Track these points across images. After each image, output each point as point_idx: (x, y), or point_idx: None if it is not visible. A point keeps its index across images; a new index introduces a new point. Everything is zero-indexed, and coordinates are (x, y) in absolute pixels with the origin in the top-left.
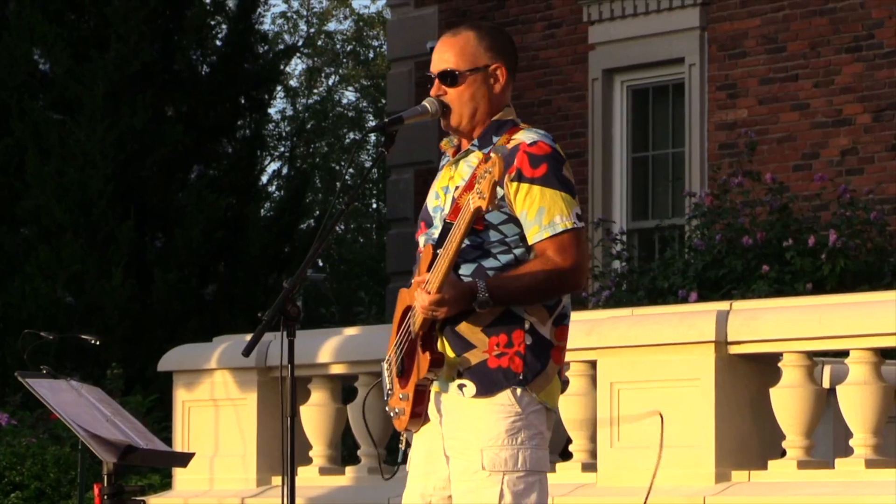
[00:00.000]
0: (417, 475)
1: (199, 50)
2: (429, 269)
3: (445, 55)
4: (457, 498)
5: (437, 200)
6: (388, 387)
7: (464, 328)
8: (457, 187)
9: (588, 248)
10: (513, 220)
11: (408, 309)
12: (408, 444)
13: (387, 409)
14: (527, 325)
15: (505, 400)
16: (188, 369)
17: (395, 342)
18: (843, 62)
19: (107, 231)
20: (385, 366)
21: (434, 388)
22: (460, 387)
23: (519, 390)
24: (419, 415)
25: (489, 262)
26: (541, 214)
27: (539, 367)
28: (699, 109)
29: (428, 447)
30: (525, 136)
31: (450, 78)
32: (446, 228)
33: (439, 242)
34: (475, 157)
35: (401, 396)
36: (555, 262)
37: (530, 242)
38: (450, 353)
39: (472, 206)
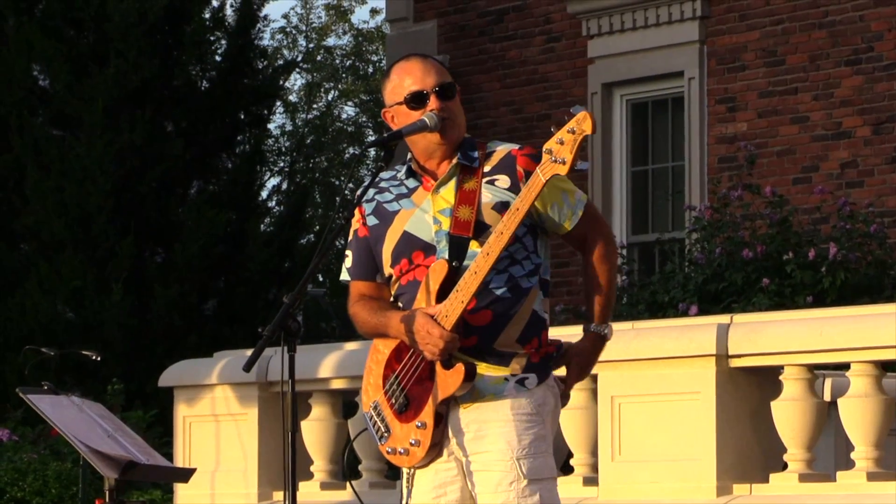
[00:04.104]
0: (427, 500)
1: (198, 65)
2: (442, 288)
3: (433, 72)
4: None
5: (438, 225)
6: (381, 430)
7: (500, 346)
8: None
9: None
10: (531, 231)
11: (402, 345)
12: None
13: (385, 451)
14: (547, 324)
15: (530, 409)
16: (189, 384)
17: (388, 379)
18: (843, 75)
19: (107, 246)
20: (370, 412)
21: (465, 404)
22: (522, 381)
23: (543, 389)
24: (438, 442)
25: (516, 270)
26: (566, 198)
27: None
28: (699, 123)
29: (434, 470)
30: (505, 146)
31: (451, 90)
32: (456, 242)
33: (453, 255)
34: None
35: (418, 424)
36: (603, 243)
37: (570, 229)
38: (503, 370)
39: (543, 176)
